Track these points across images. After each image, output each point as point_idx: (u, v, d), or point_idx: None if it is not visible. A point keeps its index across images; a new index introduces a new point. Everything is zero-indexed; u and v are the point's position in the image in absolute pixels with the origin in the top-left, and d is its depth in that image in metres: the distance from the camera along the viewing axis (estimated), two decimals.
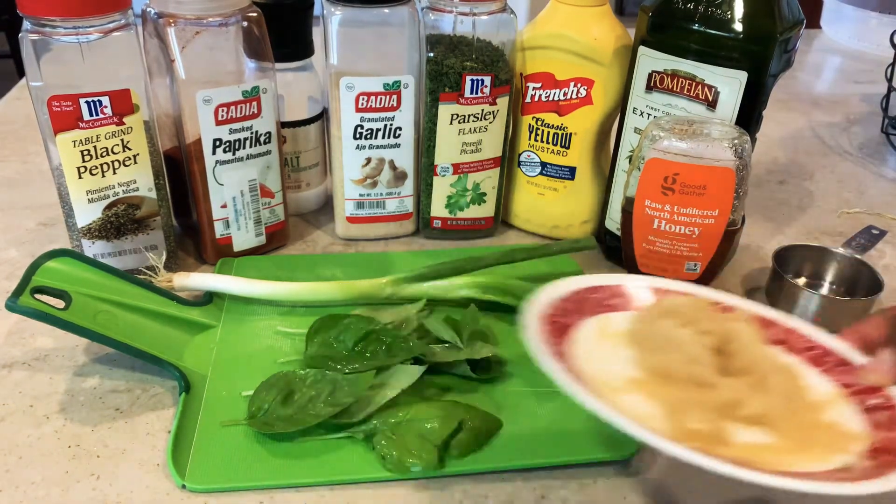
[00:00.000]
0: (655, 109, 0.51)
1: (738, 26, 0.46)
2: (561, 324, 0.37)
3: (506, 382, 0.45)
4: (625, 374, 0.34)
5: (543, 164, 0.59)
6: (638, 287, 0.41)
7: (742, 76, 0.47)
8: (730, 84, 0.47)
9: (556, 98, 0.56)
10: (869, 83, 1.04)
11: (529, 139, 0.59)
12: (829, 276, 0.57)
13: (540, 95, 0.57)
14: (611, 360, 0.35)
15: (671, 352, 0.34)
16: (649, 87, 0.51)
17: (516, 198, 0.62)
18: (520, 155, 0.60)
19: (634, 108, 0.52)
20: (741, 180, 0.44)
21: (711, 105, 0.48)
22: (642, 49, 0.50)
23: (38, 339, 0.48)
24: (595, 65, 0.54)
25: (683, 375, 0.33)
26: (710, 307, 0.38)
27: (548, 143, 0.58)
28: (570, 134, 0.57)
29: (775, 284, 0.54)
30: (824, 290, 0.56)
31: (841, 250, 0.56)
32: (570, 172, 0.59)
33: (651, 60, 0.50)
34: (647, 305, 0.39)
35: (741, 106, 0.48)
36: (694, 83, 0.49)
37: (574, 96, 0.55)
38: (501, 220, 0.63)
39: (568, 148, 0.58)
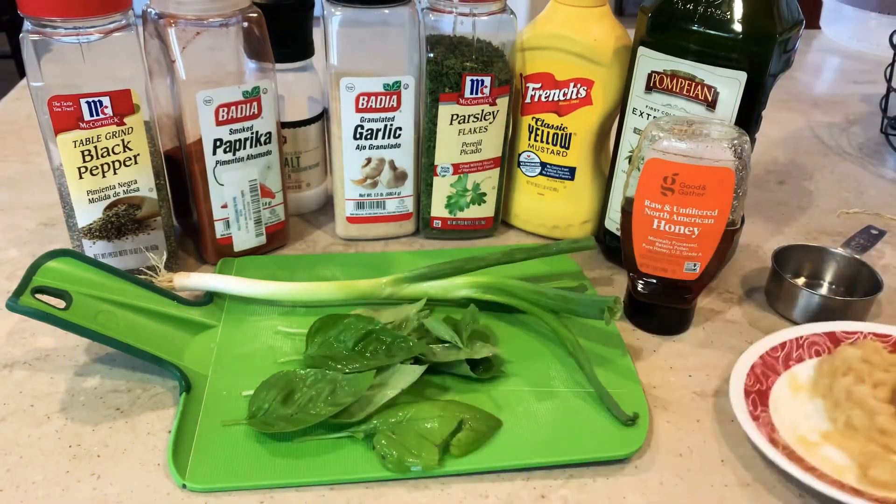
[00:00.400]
0: (655, 110, 0.51)
1: (738, 27, 0.46)
2: (758, 392, 0.44)
3: (505, 382, 0.45)
4: (817, 427, 0.42)
5: (543, 165, 0.59)
6: (813, 336, 0.48)
7: (741, 76, 0.47)
8: (729, 84, 0.47)
9: (555, 98, 0.56)
10: (868, 83, 1.04)
11: (529, 139, 0.59)
12: (829, 276, 0.57)
13: (540, 96, 0.57)
14: (804, 413, 0.43)
15: (854, 407, 0.42)
16: (649, 88, 0.51)
17: (516, 198, 0.62)
18: (520, 155, 0.60)
19: (634, 109, 0.53)
20: (741, 180, 0.44)
21: (711, 105, 0.48)
22: (642, 49, 0.51)
23: (38, 338, 0.48)
24: (595, 65, 0.54)
25: (867, 426, 0.41)
26: (881, 347, 0.45)
27: (547, 143, 0.58)
28: (570, 134, 0.57)
29: (774, 284, 0.54)
30: (823, 289, 0.56)
31: (840, 250, 0.56)
32: (570, 173, 0.59)
33: (650, 61, 0.50)
34: (825, 357, 0.46)
35: (741, 106, 0.48)
36: (693, 83, 0.49)
37: (574, 97, 0.55)
38: (501, 220, 0.63)
39: (568, 148, 0.58)
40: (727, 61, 0.47)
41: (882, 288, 0.51)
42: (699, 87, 0.48)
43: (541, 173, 0.60)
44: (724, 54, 0.47)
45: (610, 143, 0.59)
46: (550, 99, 0.56)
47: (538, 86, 0.56)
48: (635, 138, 0.53)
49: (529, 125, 0.58)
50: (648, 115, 0.52)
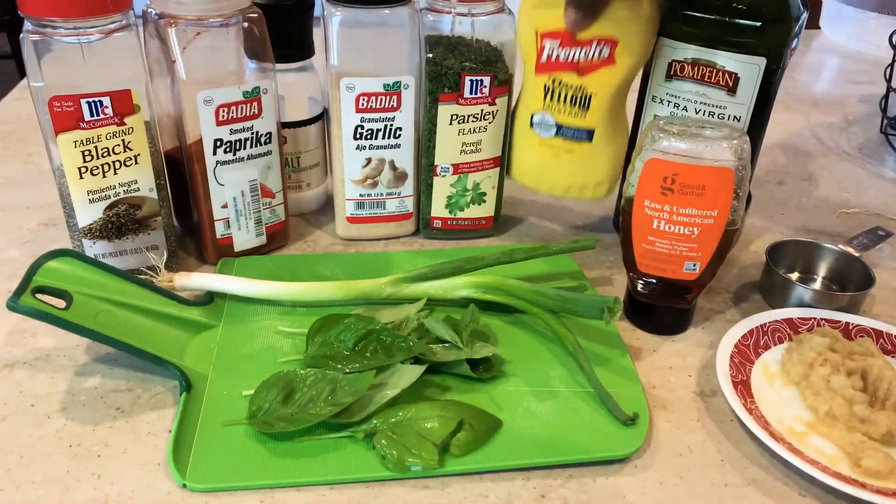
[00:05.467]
0: (676, 97, 0.52)
1: (757, 13, 0.47)
2: (741, 382, 0.44)
3: (505, 382, 0.45)
4: (799, 417, 0.43)
5: (559, 127, 0.55)
6: (773, 322, 0.49)
7: (761, 62, 0.48)
8: (749, 70, 0.49)
9: (576, 58, 0.52)
10: (868, 84, 1.04)
11: (546, 100, 0.54)
12: (822, 271, 0.57)
13: (558, 55, 0.52)
14: (782, 401, 0.44)
15: (833, 397, 0.43)
16: (669, 76, 0.52)
17: (528, 157, 0.57)
18: (533, 116, 0.55)
19: (654, 97, 0.53)
20: (740, 181, 0.44)
21: (732, 91, 0.50)
22: (662, 39, 0.52)
23: (39, 338, 0.48)
24: (619, 23, 0.50)
25: (847, 415, 0.42)
26: (839, 334, 0.47)
27: (565, 104, 0.54)
28: (590, 95, 0.53)
29: (768, 279, 0.54)
30: (817, 284, 0.57)
31: (831, 245, 0.56)
32: (588, 134, 0.54)
33: (671, 50, 0.51)
34: (791, 344, 0.48)
35: (759, 91, 0.49)
36: (714, 70, 0.50)
37: (595, 56, 0.51)
38: (511, 175, 0.60)
39: (587, 109, 0.53)
40: (747, 47, 0.48)
41: (874, 282, 0.52)
42: (720, 73, 0.49)
43: (557, 134, 0.55)
44: (744, 41, 0.48)
45: (627, 101, 0.55)
46: (570, 59, 0.52)
47: (556, 42, 0.52)
48: None
49: (546, 85, 0.53)
50: (669, 102, 0.53)
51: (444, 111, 0.55)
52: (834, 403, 0.43)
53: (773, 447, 0.39)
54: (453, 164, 0.58)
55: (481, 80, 0.54)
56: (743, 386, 0.44)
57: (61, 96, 0.45)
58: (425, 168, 0.58)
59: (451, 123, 0.55)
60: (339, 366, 0.43)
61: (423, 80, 0.54)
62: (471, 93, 0.54)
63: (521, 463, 0.39)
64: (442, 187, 0.59)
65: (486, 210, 0.61)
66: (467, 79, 0.54)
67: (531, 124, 0.56)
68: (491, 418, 0.41)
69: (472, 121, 0.56)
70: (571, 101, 0.53)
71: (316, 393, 0.41)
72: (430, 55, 0.53)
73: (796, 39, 0.50)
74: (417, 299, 0.49)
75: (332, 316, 0.46)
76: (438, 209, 0.60)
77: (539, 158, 0.57)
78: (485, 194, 0.60)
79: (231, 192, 0.53)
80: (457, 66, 0.53)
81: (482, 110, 0.55)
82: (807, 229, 0.66)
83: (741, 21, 0.48)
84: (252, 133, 0.52)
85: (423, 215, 0.61)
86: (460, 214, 0.60)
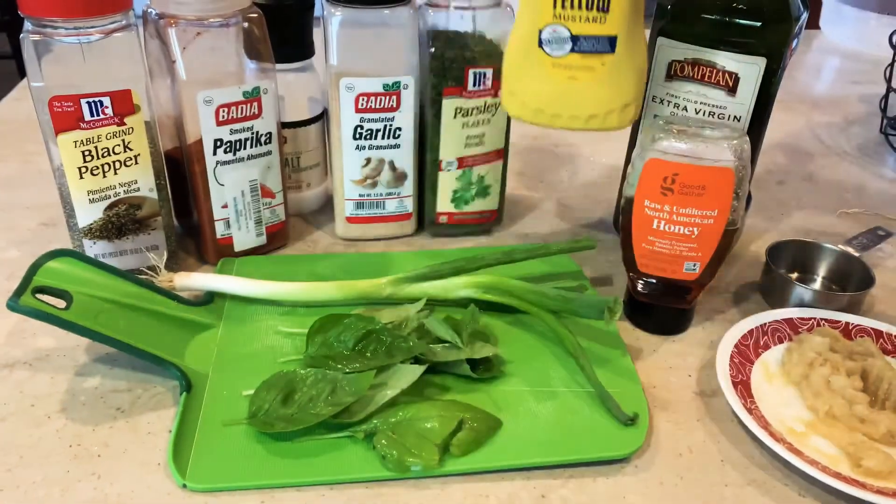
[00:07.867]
0: (676, 97, 0.52)
1: (758, 13, 0.47)
2: (740, 382, 0.45)
3: (506, 382, 0.45)
4: (800, 416, 0.43)
5: (575, 39, 0.45)
6: (773, 322, 0.49)
7: (761, 62, 0.48)
8: (749, 70, 0.49)
9: None
10: (868, 84, 1.04)
11: (556, 7, 0.44)
12: (822, 271, 0.57)
13: None
14: (782, 401, 0.44)
15: (833, 397, 0.43)
16: (669, 76, 0.52)
17: (537, 86, 0.47)
18: (541, 32, 0.45)
19: (654, 97, 0.53)
20: (740, 181, 0.44)
21: (732, 91, 0.50)
22: (661, 40, 0.52)
23: (39, 338, 0.48)
24: None
25: (847, 415, 0.42)
26: (838, 334, 0.48)
27: (580, 8, 0.44)
28: None
29: (768, 279, 0.54)
30: (816, 284, 0.57)
31: (831, 245, 0.56)
32: (611, 43, 0.45)
33: (671, 50, 0.51)
34: (791, 344, 0.48)
35: (759, 91, 0.49)
36: (715, 70, 0.50)
37: None
38: (517, 114, 0.50)
39: (607, 11, 0.44)
40: (747, 47, 0.48)
41: (874, 282, 0.52)
42: (720, 73, 0.50)
43: (573, 49, 0.45)
44: (744, 41, 0.48)
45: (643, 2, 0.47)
46: None
47: None
48: None
49: None
50: (669, 102, 0.53)
51: (449, 105, 0.55)
52: (834, 403, 0.43)
53: (773, 447, 0.39)
54: (458, 158, 0.58)
55: (484, 73, 0.54)
56: (743, 386, 0.44)
57: (61, 96, 0.45)
58: (431, 163, 0.58)
59: (455, 117, 0.55)
60: (340, 366, 0.43)
61: (427, 75, 0.54)
62: (474, 85, 0.55)
63: (522, 463, 0.39)
64: (447, 182, 0.59)
65: (490, 203, 0.61)
66: (471, 71, 0.54)
67: (540, 43, 0.46)
68: (491, 418, 0.41)
69: (477, 113, 0.56)
70: (588, 4, 0.44)
71: (316, 393, 0.41)
72: (433, 49, 0.53)
73: (796, 39, 0.50)
74: (417, 299, 0.49)
75: (332, 316, 0.46)
76: (444, 204, 0.60)
77: (553, 85, 0.47)
78: (489, 186, 0.60)
79: (231, 192, 0.53)
80: (461, 60, 0.53)
81: (486, 102, 0.56)
82: (807, 229, 0.66)
83: (741, 21, 0.48)
84: (252, 133, 0.52)
85: (427, 211, 0.61)
86: (466, 208, 0.60)
